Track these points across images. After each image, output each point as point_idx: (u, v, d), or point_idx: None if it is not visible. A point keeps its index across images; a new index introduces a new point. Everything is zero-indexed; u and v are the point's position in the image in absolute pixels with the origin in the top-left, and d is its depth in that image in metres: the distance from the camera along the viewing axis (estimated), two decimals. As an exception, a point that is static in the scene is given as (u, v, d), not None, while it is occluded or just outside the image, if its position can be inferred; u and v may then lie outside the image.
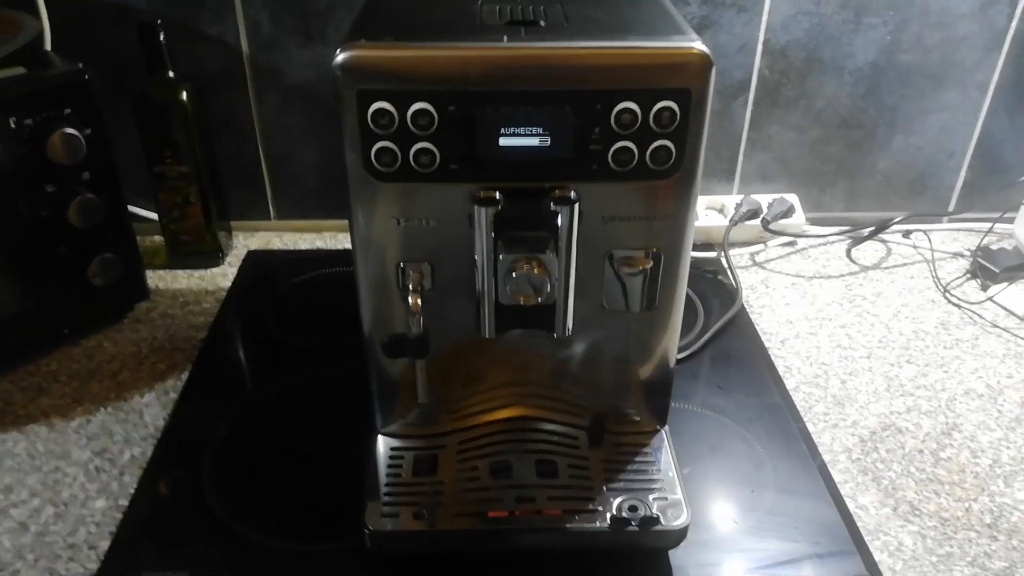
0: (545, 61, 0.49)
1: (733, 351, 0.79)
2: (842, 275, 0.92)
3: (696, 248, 0.93)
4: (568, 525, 0.55)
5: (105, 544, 0.58)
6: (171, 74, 0.82)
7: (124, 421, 0.69)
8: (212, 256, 0.90)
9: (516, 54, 0.48)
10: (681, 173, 0.52)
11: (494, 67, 0.48)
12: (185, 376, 0.74)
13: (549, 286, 0.51)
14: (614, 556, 0.57)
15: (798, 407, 0.72)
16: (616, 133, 0.50)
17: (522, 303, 0.52)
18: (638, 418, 0.63)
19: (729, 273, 0.90)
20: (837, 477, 0.65)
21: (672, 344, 0.60)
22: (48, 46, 0.78)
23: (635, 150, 0.50)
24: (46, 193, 0.70)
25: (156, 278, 0.88)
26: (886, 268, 0.93)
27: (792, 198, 0.97)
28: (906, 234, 0.99)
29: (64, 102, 0.68)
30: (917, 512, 0.62)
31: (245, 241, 0.96)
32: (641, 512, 0.56)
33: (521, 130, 0.49)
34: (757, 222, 0.95)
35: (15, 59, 0.69)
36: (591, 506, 0.56)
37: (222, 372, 0.75)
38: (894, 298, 0.88)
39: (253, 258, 0.93)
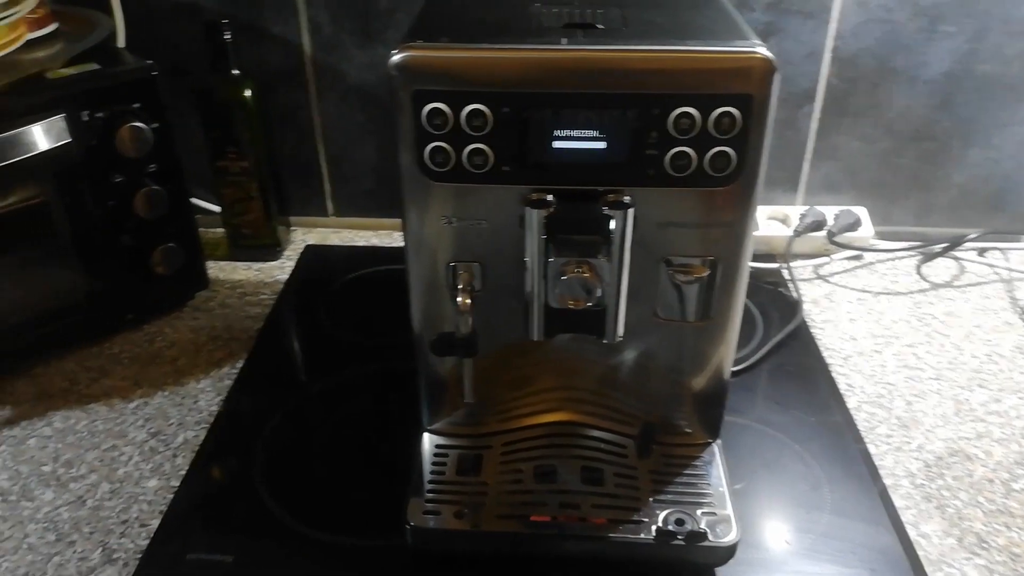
0: (601, 64, 0.48)
1: (792, 366, 0.77)
2: (911, 292, 0.88)
3: (757, 258, 0.91)
4: (612, 534, 0.54)
5: (155, 523, 0.60)
6: (235, 71, 0.84)
7: (180, 405, 0.71)
8: (271, 250, 0.92)
9: (571, 56, 0.48)
10: (741, 180, 0.50)
11: (549, 69, 0.48)
12: (240, 365, 0.76)
13: (599, 291, 0.51)
14: (658, 569, 0.56)
15: (859, 427, 0.69)
16: (674, 138, 0.49)
17: (571, 307, 0.51)
18: (690, 430, 0.61)
19: (791, 285, 0.87)
20: (898, 503, 0.62)
21: (728, 355, 0.58)
22: (121, 43, 0.81)
23: (693, 156, 0.49)
24: (114, 184, 0.72)
25: (217, 269, 0.91)
26: (959, 287, 0.89)
27: (860, 210, 0.94)
28: (981, 252, 0.94)
29: (133, 97, 0.71)
30: (984, 545, 0.59)
31: (303, 236, 0.98)
32: (688, 526, 0.54)
33: (576, 133, 0.49)
34: (822, 234, 0.92)
35: (89, 56, 0.72)
36: (636, 517, 0.55)
37: (276, 363, 0.77)
38: (967, 318, 0.84)
39: (310, 253, 0.94)
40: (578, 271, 0.50)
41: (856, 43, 0.87)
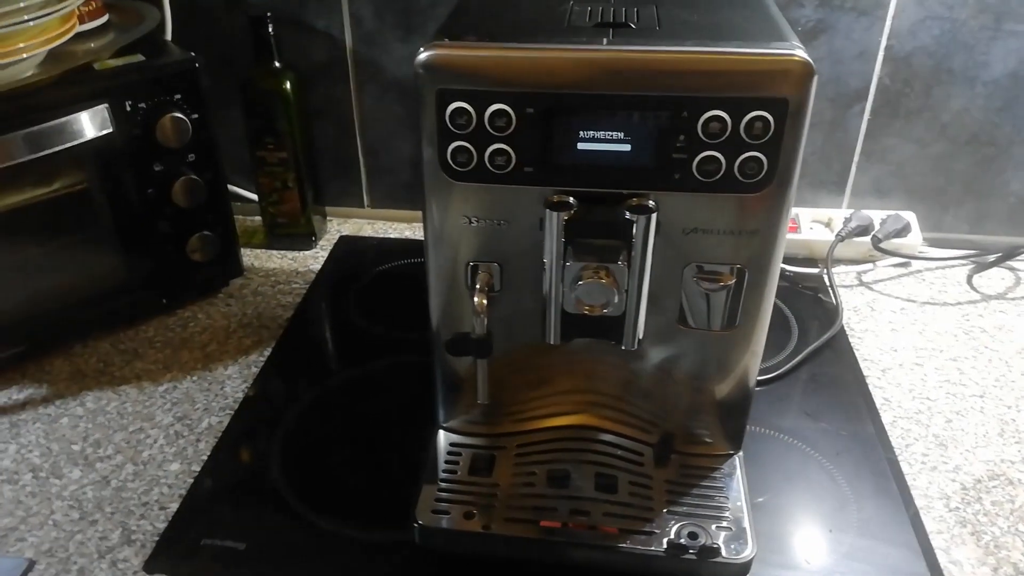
0: (627, 65, 0.47)
1: (827, 376, 0.74)
2: (960, 303, 0.84)
3: (798, 263, 0.89)
4: (621, 545, 0.54)
5: (174, 507, 0.61)
6: (277, 64, 0.85)
7: (207, 390, 0.73)
8: (306, 239, 0.93)
9: (596, 57, 0.47)
10: (772, 187, 0.49)
11: (573, 70, 0.47)
12: (268, 353, 0.77)
13: (616, 297, 0.50)
14: (670, 583, 0.55)
15: (893, 444, 0.67)
16: (703, 142, 0.47)
17: (587, 313, 0.50)
18: (710, 440, 0.60)
19: (831, 292, 0.85)
20: (930, 526, 0.60)
21: (753, 365, 0.57)
22: (168, 35, 0.82)
23: (722, 161, 0.48)
24: (153, 172, 0.74)
25: (252, 256, 0.92)
26: (1012, 299, 0.85)
27: (909, 216, 0.90)
28: (1039, 263, 0.90)
29: (175, 88, 0.72)
30: (1021, 576, 0.56)
31: (339, 227, 0.98)
32: (701, 540, 0.53)
33: (600, 135, 0.48)
34: (867, 239, 0.89)
35: (135, 47, 0.73)
36: (648, 528, 0.54)
37: (302, 352, 0.78)
38: (1019, 333, 0.80)
39: (344, 243, 0.95)
40: (595, 277, 0.49)
41: (912, 42, 0.83)
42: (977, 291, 0.86)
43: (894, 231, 0.89)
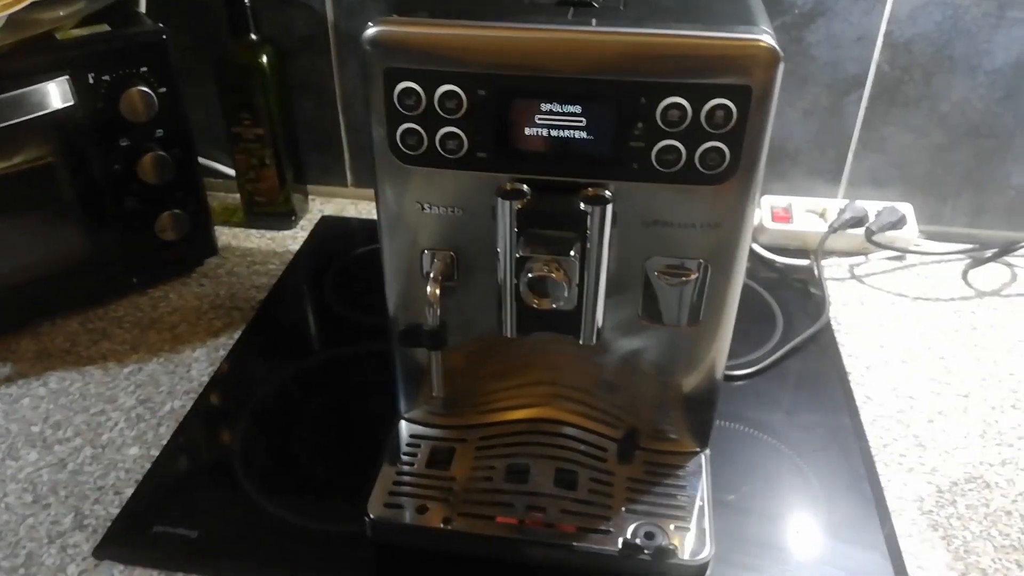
0: (582, 47, 0.44)
1: (808, 372, 0.73)
2: (953, 299, 0.82)
3: (788, 254, 0.87)
4: (576, 543, 0.52)
5: (129, 491, 0.60)
6: (253, 36, 0.82)
7: (172, 373, 0.72)
8: (285, 218, 0.92)
9: (550, 37, 0.45)
10: (736, 178, 0.46)
11: (527, 50, 0.45)
12: (238, 335, 0.76)
13: (567, 292, 0.48)
14: (625, 583, 0.54)
15: (871, 443, 0.65)
16: (661, 130, 0.45)
17: (536, 306, 0.48)
18: (676, 437, 0.59)
19: (820, 284, 0.82)
20: (901, 529, 0.58)
21: (719, 360, 0.55)
22: (143, 7, 0.80)
23: (682, 150, 0.46)
24: (119, 147, 0.72)
25: (230, 235, 0.90)
26: (1008, 296, 0.82)
27: (905, 208, 0.87)
28: (1038, 259, 0.87)
29: (142, 61, 0.70)
30: (989, 583, 0.54)
31: (321, 206, 0.97)
32: (658, 540, 0.52)
33: (555, 120, 0.46)
34: (860, 231, 0.86)
35: (102, 17, 0.71)
36: (605, 526, 0.53)
37: (273, 336, 0.76)
38: (1012, 331, 0.77)
39: (325, 224, 0.93)
40: (546, 269, 0.47)
41: (912, 28, 0.80)
42: (971, 287, 0.84)
43: (889, 223, 0.86)
